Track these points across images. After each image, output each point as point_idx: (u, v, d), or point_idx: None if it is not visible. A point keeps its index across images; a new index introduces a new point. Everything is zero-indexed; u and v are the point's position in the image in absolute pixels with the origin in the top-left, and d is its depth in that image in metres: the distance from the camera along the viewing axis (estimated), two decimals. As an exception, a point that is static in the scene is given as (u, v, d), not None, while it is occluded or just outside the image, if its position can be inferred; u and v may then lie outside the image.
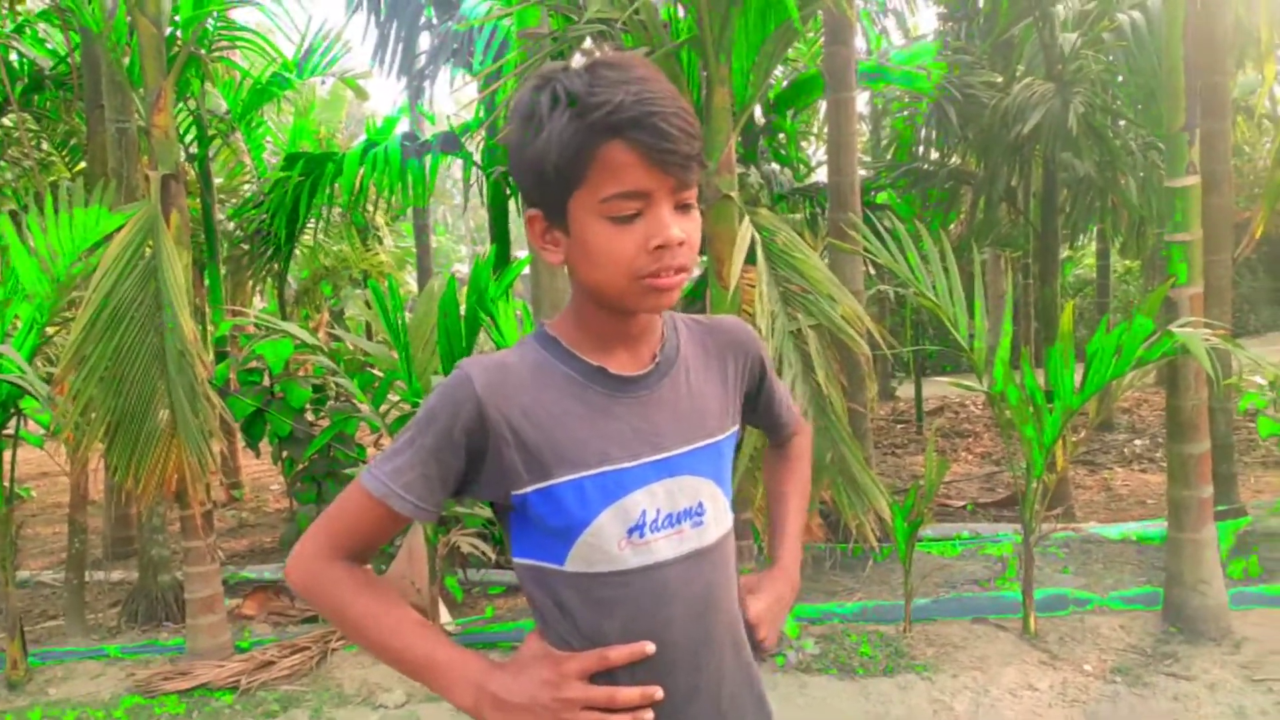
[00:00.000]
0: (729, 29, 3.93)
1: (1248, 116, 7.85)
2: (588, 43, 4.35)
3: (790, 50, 6.48)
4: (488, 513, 4.17)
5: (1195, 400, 4.02)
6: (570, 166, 1.07)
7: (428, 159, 7.17)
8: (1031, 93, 6.00)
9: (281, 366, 5.52)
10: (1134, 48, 5.28)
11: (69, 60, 6.49)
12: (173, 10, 4.78)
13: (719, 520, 1.23)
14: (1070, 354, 3.92)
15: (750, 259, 4.16)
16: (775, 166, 7.41)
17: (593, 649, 1.14)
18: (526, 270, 5.65)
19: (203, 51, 5.68)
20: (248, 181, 9.27)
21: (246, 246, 8.45)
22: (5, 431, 4.49)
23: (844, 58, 5.34)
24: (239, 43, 6.39)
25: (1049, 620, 4.24)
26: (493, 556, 4.66)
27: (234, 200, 9.17)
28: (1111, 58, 6.08)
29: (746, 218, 4.15)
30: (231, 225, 8.80)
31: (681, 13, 4.40)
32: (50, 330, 4.82)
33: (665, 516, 1.17)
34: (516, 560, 1.21)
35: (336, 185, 7.40)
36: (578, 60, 1.10)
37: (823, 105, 7.09)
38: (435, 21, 7.91)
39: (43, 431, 4.97)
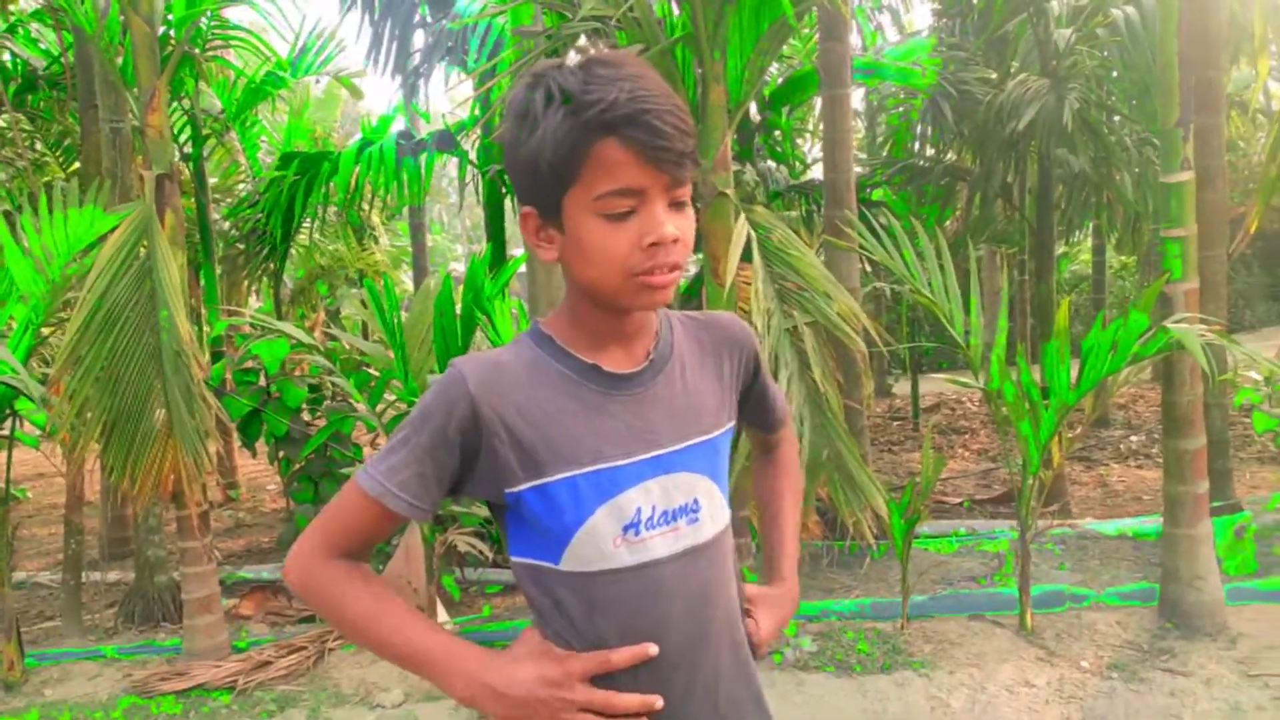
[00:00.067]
0: (723, 26, 3.93)
1: (1242, 112, 7.85)
2: (582, 40, 4.34)
3: (785, 47, 6.47)
4: (485, 512, 4.17)
5: (1191, 396, 4.02)
6: (565, 164, 1.07)
7: (423, 157, 7.16)
8: (1026, 89, 6.00)
9: (277, 366, 5.51)
10: (1128, 43, 5.28)
11: (62, 60, 6.48)
12: (166, 9, 4.77)
13: (715, 517, 1.23)
14: (1066, 350, 3.92)
15: (746, 256, 4.16)
16: (771, 164, 7.41)
17: (590, 648, 1.14)
18: (523, 269, 5.65)
19: (196, 50, 5.65)
20: (243, 181, 9.25)
21: (242, 246, 8.43)
22: (1, 432, 4.48)
23: (839, 54, 5.34)
24: (233, 42, 6.36)
25: (1045, 617, 4.25)
26: (490, 555, 4.66)
27: (229, 200, 9.15)
28: (1106, 53, 6.08)
29: (742, 215, 4.15)
30: (227, 225, 8.78)
31: (676, 10, 4.40)
32: (45, 331, 4.82)
33: (660, 514, 1.17)
34: (513, 559, 1.21)
35: (332, 184, 7.38)
36: (572, 58, 1.10)
37: (818, 102, 7.08)
38: (429, 20, 7.91)
39: (38, 432, 4.96)
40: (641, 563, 1.16)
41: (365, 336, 9.46)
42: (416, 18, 8.02)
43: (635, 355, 1.20)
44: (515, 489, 1.14)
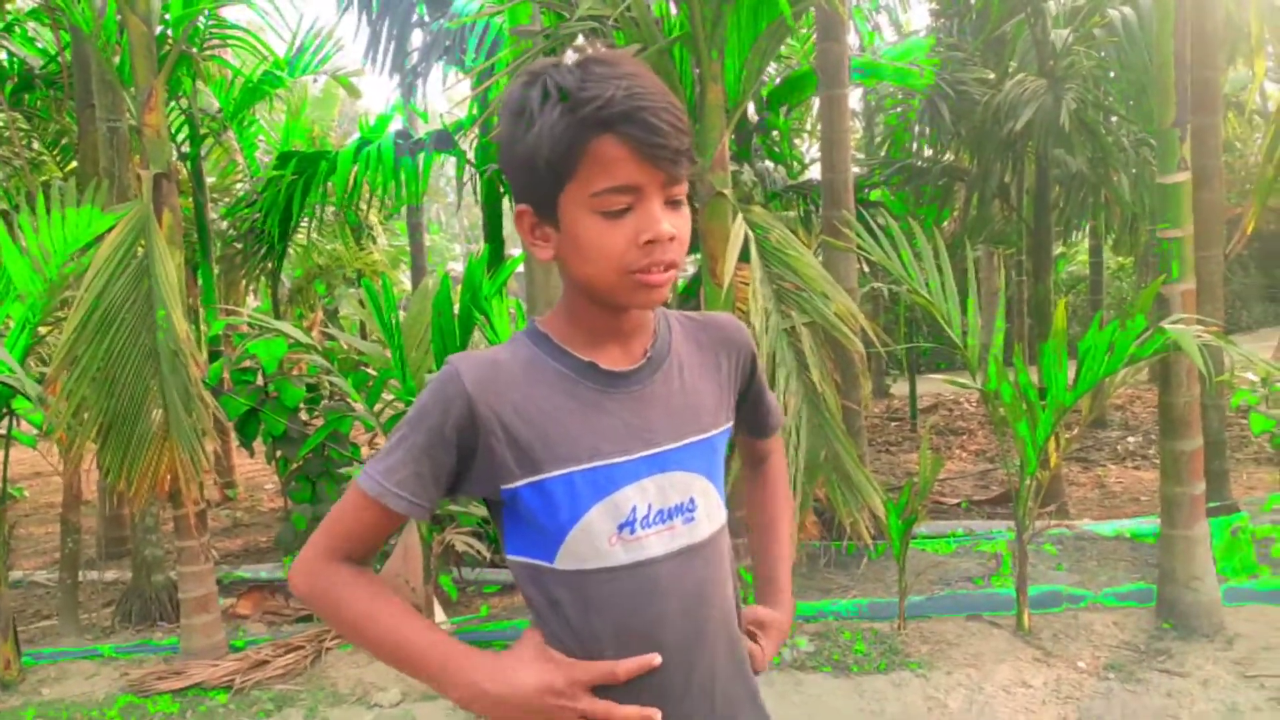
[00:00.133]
0: (721, 26, 3.93)
1: (1239, 112, 7.87)
2: (580, 40, 4.34)
3: (783, 47, 6.47)
4: (482, 511, 4.17)
5: (1188, 397, 4.03)
6: (561, 161, 1.07)
7: (421, 157, 7.16)
8: (1024, 89, 6.01)
9: (275, 366, 5.50)
10: (1125, 43, 5.29)
11: (59, 59, 6.47)
12: (163, 8, 4.76)
13: (711, 516, 1.23)
14: (1063, 351, 3.93)
15: (744, 257, 4.16)
16: (769, 164, 7.41)
17: (587, 646, 1.14)
18: (521, 268, 5.64)
19: (194, 50, 5.65)
20: (240, 180, 9.24)
21: (239, 245, 8.43)
22: (-2, 432, 4.48)
23: (837, 54, 5.34)
24: (230, 41, 6.36)
25: (1043, 617, 4.26)
26: (487, 555, 4.65)
27: (227, 199, 9.14)
28: (1103, 54, 6.09)
29: (740, 215, 4.15)
30: (224, 224, 8.78)
31: (674, 10, 4.40)
32: (43, 330, 4.81)
33: (656, 512, 1.17)
34: (510, 558, 1.21)
35: (330, 184, 7.38)
36: (569, 57, 1.10)
37: (816, 102, 7.08)
38: (427, 19, 7.90)
39: (35, 431, 4.95)
40: (637, 561, 1.15)
41: (363, 336, 9.46)
42: (414, 17, 8.02)
43: (633, 353, 1.20)
44: (511, 486, 1.14)
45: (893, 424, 10.49)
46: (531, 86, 1.10)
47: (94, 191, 4.37)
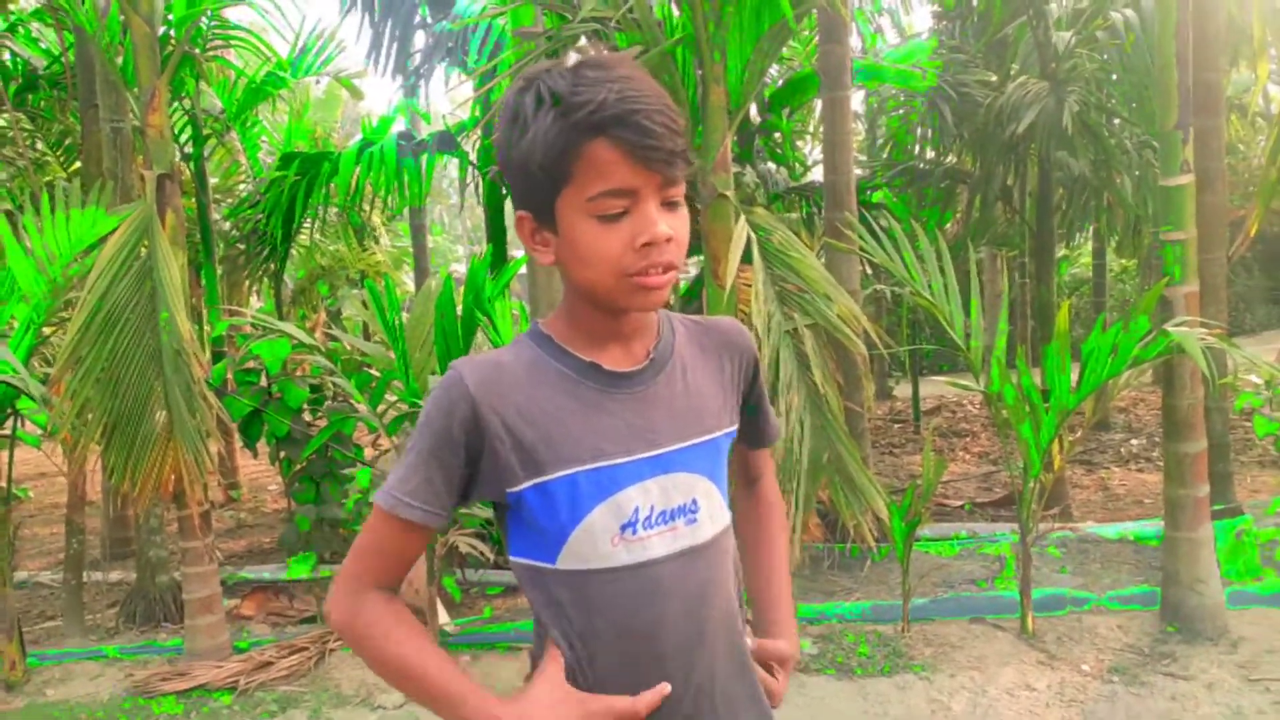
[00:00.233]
0: (723, 27, 3.93)
1: (1241, 115, 7.86)
2: (582, 41, 4.34)
3: (785, 49, 6.49)
4: (486, 513, 4.17)
5: (1191, 399, 4.02)
6: (556, 166, 1.08)
7: (424, 158, 7.16)
8: (1026, 91, 6.01)
9: (279, 367, 5.50)
10: (1127, 46, 5.29)
11: (63, 60, 6.48)
12: (166, 9, 4.77)
13: (714, 518, 1.23)
14: (1066, 353, 3.92)
15: (746, 258, 4.16)
16: (771, 165, 7.41)
17: (587, 647, 1.15)
18: (524, 270, 5.65)
19: (197, 50, 5.65)
20: (243, 181, 9.25)
21: (243, 246, 8.43)
22: (2, 432, 4.48)
23: (839, 56, 5.34)
24: (233, 42, 6.36)
25: (1046, 620, 4.25)
26: (490, 557, 4.65)
27: (230, 200, 9.15)
28: (1106, 56, 6.09)
29: (742, 217, 4.15)
30: (227, 225, 8.78)
31: (676, 11, 4.40)
32: (47, 331, 4.82)
33: (659, 513, 1.17)
34: (513, 559, 1.21)
35: (332, 185, 7.39)
36: (567, 60, 1.11)
37: (818, 104, 7.08)
38: (429, 20, 7.90)
39: (40, 432, 4.96)
40: (639, 562, 1.16)
41: (366, 337, 9.46)
42: (417, 18, 8.02)
43: (635, 355, 1.21)
44: (516, 489, 1.14)
45: (896, 426, 10.48)
46: (525, 92, 1.10)
47: (98, 192, 4.38)
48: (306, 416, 5.82)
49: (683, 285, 6.76)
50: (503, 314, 4.54)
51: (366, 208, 9.83)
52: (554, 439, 1.14)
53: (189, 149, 7.11)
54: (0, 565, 4.35)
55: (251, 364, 5.73)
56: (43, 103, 7.14)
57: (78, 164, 6.75)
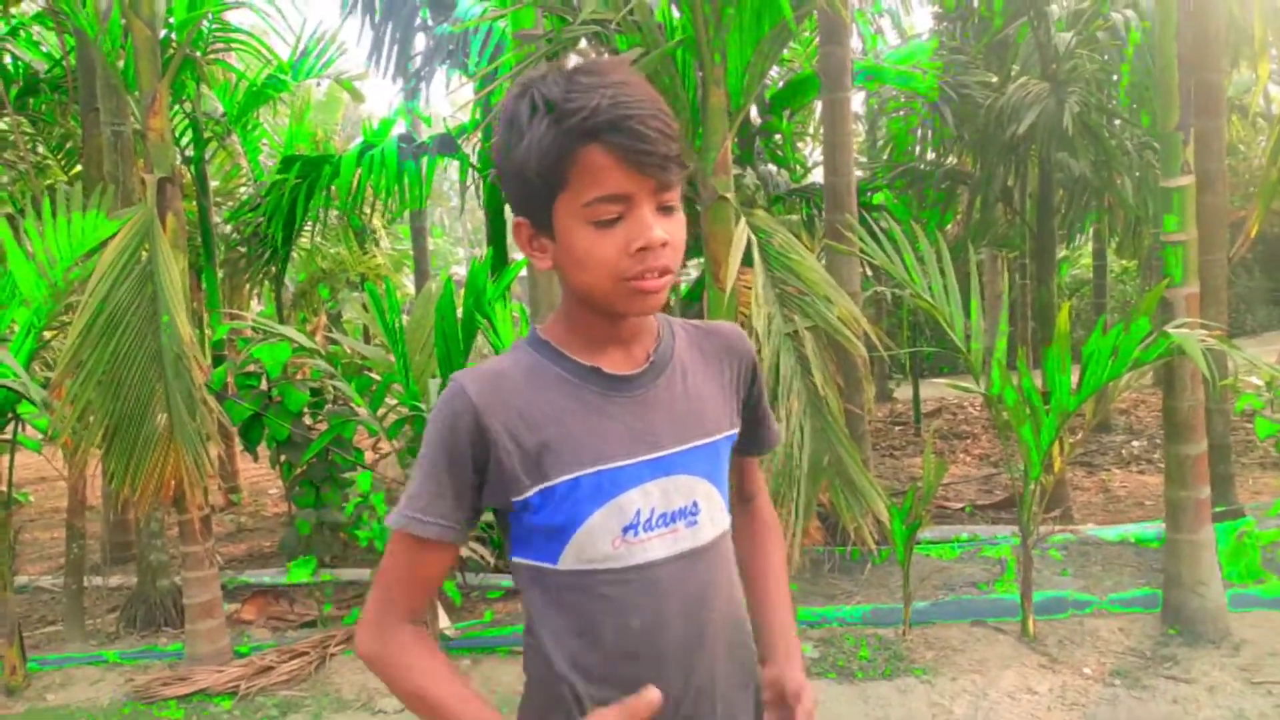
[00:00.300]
0: (724, 29, 3.93)
1: (1242, 115, 7.85)
2: (583, 44, 4.34)
3: (786, 51, 6.48)
4: (486, 517, 4.16)
5: (1192, 401, 4.02)
6: (551, 172, 1.08)
7: (424, 161, 7.16)
8: (1026, 92, 6.00)
9: (279, 370, 5.50)
10: (1129, 50, 5.28)
11: (64, 63, 6.48)
12: (167, 12, 4.77)
13: (714, 520, 1.24)
14: (1067, 355, 3.92)
15: (747, 260, 4.16)
16: (772, 167, 7.41)
17: (588, 648, 1.16)
18: (524, 273, 5.64)
19: (198, 54, 5.67)
20: (244, 184, 9.26)
21: (243, 249, 8.45)
22: (3, 436, 4.48)
23: (839, 58, 5.33)
24: (234, 45, 6.38)
25: (1048, 623, 4.24)
26: (491, 561, 4.65)
27: (230, 203, 9.16)
28: (1106, 57, 6.08)
29: (743, 219, 4.15)
30: (228, 228, 8.79)
31: (676, 13, 4.40)
32: (48, 335, 4.82)
33: (659, 516, 1.18)
34: (514, 560, 1.22)
35: (333, 188, 7.39)
36: (563, 65, 1.11)
37: (818, 105, 7.08)
38: (430, 23, 7.91)
39: (40, 436, 4.96)
40: (639, 564, 1.16)
41: (367, 340, 9.46)
42: (417, 21, 8.02)
43: (635, 358, 1.21)
44: (523, 496, 1.15)
45: (896, 428, 10.47)
46: (521, 99, 1.10)
47: (99, 196, 4.37)
48: (307, 420, 5.82)
49: (683, 288, 6.76)
50: (503, 317, 4.54)
51: (367, 210, 9.84)
52: (556, 443, 1.14)
53: (190, 152, 7.12)
54: (1, 570, 4.35)
55: (252, 368, 5.72)
56: (44, 106, 7.15)
57: (79, 168, 6.75)
